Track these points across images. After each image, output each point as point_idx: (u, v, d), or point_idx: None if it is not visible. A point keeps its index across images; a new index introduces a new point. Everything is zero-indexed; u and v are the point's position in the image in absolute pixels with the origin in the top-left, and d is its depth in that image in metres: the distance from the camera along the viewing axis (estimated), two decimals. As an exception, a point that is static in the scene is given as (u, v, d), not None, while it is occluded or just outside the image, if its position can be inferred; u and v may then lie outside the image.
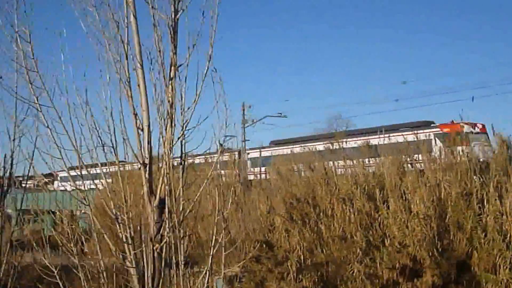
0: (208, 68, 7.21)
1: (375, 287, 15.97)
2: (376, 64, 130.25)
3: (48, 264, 8.02)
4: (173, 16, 7.21)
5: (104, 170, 7.51)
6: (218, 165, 7.59)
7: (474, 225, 15.07)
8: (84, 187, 7.81)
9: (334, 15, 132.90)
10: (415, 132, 24.95)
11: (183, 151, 7.44)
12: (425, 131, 32.04)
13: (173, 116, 7.16)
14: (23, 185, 16.53)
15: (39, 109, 7.43)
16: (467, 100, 47.24)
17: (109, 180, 7.93)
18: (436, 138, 29.75)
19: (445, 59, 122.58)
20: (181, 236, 7.28)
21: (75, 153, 7.32)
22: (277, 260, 17.96)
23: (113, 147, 7.32)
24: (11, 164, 11.98)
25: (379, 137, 26.25)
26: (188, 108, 7.23)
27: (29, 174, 12.40)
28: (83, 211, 17.30)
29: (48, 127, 7.32)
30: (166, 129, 7.17)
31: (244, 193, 19.14)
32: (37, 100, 7.40)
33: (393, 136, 24.47)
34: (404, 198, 16.86)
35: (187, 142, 7.41)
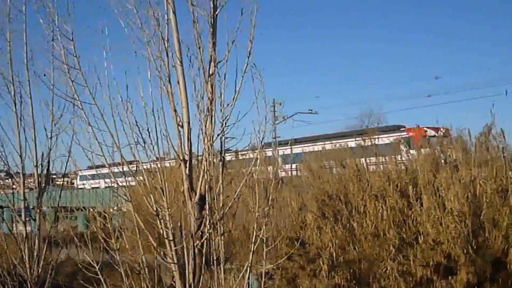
0: (247, 64, 7.18)
1: (408, 285, 15.88)
2: (409, 59, 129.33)
3: (90, 260, 8.06)
4: (212, 12, 7.21)
5: (144, 167, 7.54)
6: (258, 162, 7.57)
7: (510, 222, 14.91)
8: (128, 183, 7.83)
9: (363, 14, 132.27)
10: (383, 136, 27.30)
11: (223, 148, 7.44)
12: (395, 134, 35.00)
13: (213, 113, 7.16)
14: (57, 182, 16.72)
15: (80, 106, 7.50)
16: (501, 95, 46.61)
17: (141, 177, 7.95)
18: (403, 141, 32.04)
19: (480, 54, 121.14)
20: (222, 232, 7.28)
21: (116, 149, 7.37)
22: (309, 257, 17.95)
23: (152, 143, 7.34)
24: (48, 162, 12.13)
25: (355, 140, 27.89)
26: (228, 104, 7.22)
27: (65, 172, 12.59)
28: (116, 208, 17.47)
29: (89, 124, 7.38)
30: (206, 126, 7.16)
31: (275, 190, 19.14)
32: (78, 97, 7.47)
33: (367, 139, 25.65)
34: (437, 194, 16.72)
35: (227, 138, 7.42)
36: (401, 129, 40.26)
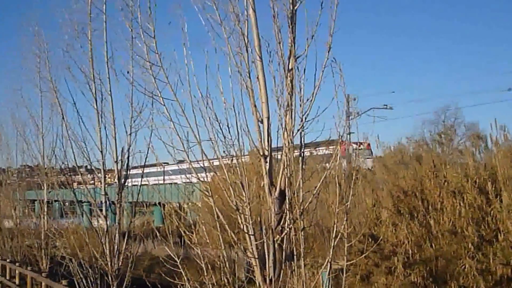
0: (327, 59, 7.13)
1: (488, 284, 15.46)
2: (486, 52, 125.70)
3: (171, 254, 8.17)
4: (291, 7, 7.19)
5: (224, 162, 7.59)
6: (339, 157, 7.50)
7: None
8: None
9: (441, 6, 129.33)
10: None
11: (303, 143, 7.41)
12: (331, 147, 41.49)
13: (293, 107, 7.15)
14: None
15: (162, 102, 7.62)
16: None
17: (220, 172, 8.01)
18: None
19: None
20: (302, 227, 7.26)
21: (198, 145, 7.46)
22: (383, 254, 17.70)
23: (231, 139, 7.38)
24: (128, 157, 12.39)
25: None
26: (307, 99, 7.19)
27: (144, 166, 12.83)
28: (191, 204, 17.72)
29: (171, 120, 7.50)
30: (286, 121, 7.16)
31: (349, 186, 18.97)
32: (160, 94, 7.60)
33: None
34: (518, 191, 16.20)
35: (306, 133, 7.40)
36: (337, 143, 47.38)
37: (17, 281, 22.66)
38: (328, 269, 7.36)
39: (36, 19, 18.17)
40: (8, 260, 25.43)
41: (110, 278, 12.20)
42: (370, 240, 17.37)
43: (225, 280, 7.64)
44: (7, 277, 24.34)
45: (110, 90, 12.32)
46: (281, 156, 7.27)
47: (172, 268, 8.34)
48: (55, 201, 26.63)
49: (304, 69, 7.23)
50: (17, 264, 24.12)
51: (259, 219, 7.39)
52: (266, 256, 7.18)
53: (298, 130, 7.24)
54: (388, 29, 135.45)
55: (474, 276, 15.52)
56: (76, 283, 12.81)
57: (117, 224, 12.50)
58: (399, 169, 20.54)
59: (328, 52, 7.13)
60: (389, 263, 17.33)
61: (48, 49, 16.95)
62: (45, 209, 23.85)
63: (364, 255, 9.86)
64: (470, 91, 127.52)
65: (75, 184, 17.12)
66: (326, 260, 7.30)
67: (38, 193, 25.79)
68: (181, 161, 8.05)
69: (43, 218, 24.03)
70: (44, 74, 16.63)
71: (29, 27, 18.10)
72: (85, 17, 12.52)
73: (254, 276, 7.42)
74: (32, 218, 27.77)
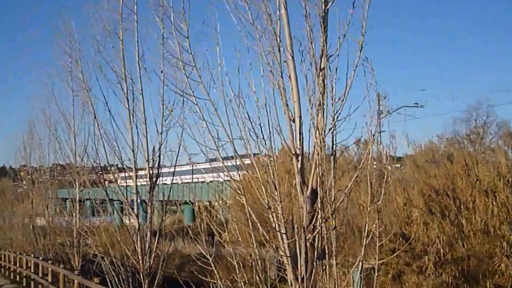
0: (359, 58, 7.11)
1: (523, 283, 15.32)
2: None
3: (203, 252, 8.22)
4: (323, 7, 7.19)
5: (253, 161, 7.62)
6: (370, 156, 7.46)
7: None
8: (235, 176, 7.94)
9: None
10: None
11: (334, 142, 7.41)
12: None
13: (325, 107, 7.15)
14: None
15: (195, 101, 7.67)
16: None
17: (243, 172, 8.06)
18: None
19: None
20: (333, 226, 7.26)
21: (230, 144, 7.50)
22: (415, 253, 17.61)
23: (263, 138, 7.41)
24: (159, 156, 12.48)
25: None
26: (339, 98, 7.18)
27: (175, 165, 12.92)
28: (221, 202, 17.83)
29: (204, 119, 7.55)
30: (317, 120, 7.16)
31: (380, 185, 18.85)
32: (193, 93, 7.65)
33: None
34: (553, 190, 16.02)
35: (338, 132, 7.38)
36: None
37: (49, 279, 22.93)
38: (360, 268, 7.35)
39: (68, 18, 18.36)
40: (40, 258, 25.75)
41: (141, 276, 12.31)
42: (401, 239, 17.29)
43: (257, 278, 7.67)
44: (40, 275, 24.64)
45: (142, 89, 12.44)
46: (313, 155, 7.28)
47: (203, 266, 8.40)
48: (87, 199, 26.92)
49: (336, 68, 7.22)
50: (49, 261, 24.42)
51: (291, 217, 7.42)
52: (298, 254, 7.19)
53: (329, 129, 7.23)
54: (419, 27, 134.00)
55: (510, 275, 15.39)
56: (108, 280, 12.94)
57: (148, 222, 12.60)
58: (430, 168, 20.40)
59: (360, 51, 7.11)
60: (421, 262, 17.25)
61: (80, 49, 17.12)
62: (77, 207, 24.12)
63: (395, 254, 9.82)
64: (502, 89, 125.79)
65: (106, 183, 17.27)
66: (358, 259, 7.30)
67: (70, 191, 26.09)
68: (212, 160, 8.10)
69: (75, 216, 24.33)
70: (76, 74, 16.80)
71: (61, 26, 18.28)
72: (117, 17, 12.65)
73: (286, 275, 7.44)
74: (64, 216, 28.12)
